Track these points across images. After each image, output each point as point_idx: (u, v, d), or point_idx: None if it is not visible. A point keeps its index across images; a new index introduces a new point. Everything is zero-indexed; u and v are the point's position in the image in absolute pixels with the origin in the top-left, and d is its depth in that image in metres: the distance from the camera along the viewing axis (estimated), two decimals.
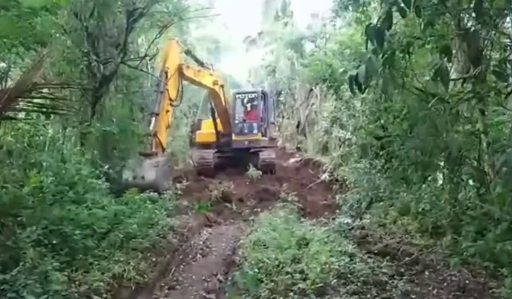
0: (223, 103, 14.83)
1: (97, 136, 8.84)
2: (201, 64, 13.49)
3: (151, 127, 10.14)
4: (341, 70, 9.26)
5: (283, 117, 25.95)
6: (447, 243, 6.22)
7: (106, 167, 8.08)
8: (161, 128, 10.47)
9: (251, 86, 26.19)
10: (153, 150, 10.08)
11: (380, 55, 3.52)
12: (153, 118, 10.27)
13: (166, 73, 10.86)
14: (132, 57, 10.84)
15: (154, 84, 11.09)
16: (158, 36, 11.20)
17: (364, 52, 4.62)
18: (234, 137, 15.16)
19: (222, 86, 14.62)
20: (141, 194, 8.09)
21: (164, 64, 11.09)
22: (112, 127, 8.91)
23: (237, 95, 16.19)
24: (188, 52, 13.17)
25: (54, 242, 5.22)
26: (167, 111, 10.84)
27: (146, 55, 10.79)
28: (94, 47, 9.58)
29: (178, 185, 9.74)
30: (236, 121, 15.68)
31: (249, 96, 16.25)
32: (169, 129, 11.32)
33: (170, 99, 10.89)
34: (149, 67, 12.27)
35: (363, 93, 3.76)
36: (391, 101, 7.88)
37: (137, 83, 11.28)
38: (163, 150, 10.64)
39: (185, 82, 13.17)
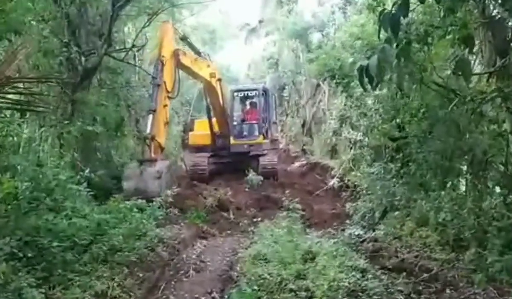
0: (221, 100, 14.83)
1: (77, 137, 8.84)
2: (197, 53, 13.48)
3: (147, 130, 10.10)
4: (350, 60, 9.28)
5: (286, 115, 26.01)
6: (470, 258, 6.21)
7: (88, 170, 8.10)
8: (159, 127, 10.50)
9: (251, 82, 26.26)
10: (152, 155, 10.05)
11: (395, 46, 3.50)
12: (150, 117, 10.24)
13: (162, 62, 10.76)
14: (117, 48, 10.88)
15: (151, 76, 11.03)
16: (146, 24, 11.21)
17: (377, 44, 4.62)
18: (232, 140, 15.17)
19: (219, 80, 14.63)
20: (127, 202, 8.07)
21: (160, 52, 11.00)
22: (94, 127, 8.92)
23: (235, 93, 16.12)
24: (184, 39, 13.11)
25: (30, 255, 5.20)
26: (165, 105, 10.82)
27: (133, 45, 10.83)
28: (75, 37, 9.62)
29: (168, 192, 9.73)
30: (235, 122, 15.69)
31: (249, 94, 16.24)
32: (167, 126, 11.35)
33: (167, 91, 10.86)
34: (136, 59, 12.31)
35: (375, 89, 3.74)
36: (408, 98, 7.92)
37: (124, 77, 11.30)
38: (162, 150, 10.69)
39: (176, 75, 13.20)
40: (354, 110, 11.81)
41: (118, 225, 7.16)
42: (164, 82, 10.65)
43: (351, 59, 8.72)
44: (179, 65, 11.49)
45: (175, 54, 11.33)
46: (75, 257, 5.82)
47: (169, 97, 11.00)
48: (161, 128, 10.63)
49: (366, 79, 3.48)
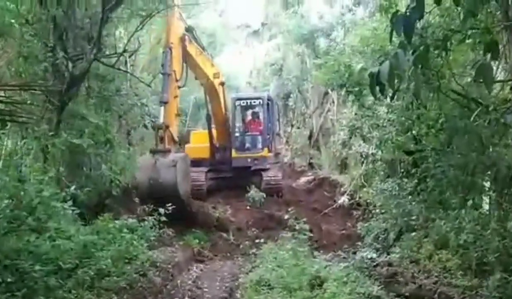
0: (223, 107, 14.88)
1: (63, 150, 8.85)
2: (202, 49, 13.59)
3: (161, 120, 10.46)
4: (359, 66, 9.33)
5: (291, 126, 26.02)
6: (495, 284, 6.17)
7: (74, 187, 8.10)
8: (171, 118, 10.84)
9: (253, 90, 26.36)
10: (166, 146, 10.37)
11: (410, 52, 3.51)
12: (162, 108, 10.60)
13: (171, 49, 11.06)
14: (108, 53, 10.92)
15: (162, 65, 11.32)
16: (139, 28, 11.28)
17: (391, 50, 4.64)
18: (234, 153, 15.20)
19: (222, 84, 14.65)
20: (116, 221, 8.07)
21: (168, 38, 11.30)
22: (82, 140, 8.93)
23: (236, 102, 16.15)
24: (189, 30, 13.03)
25: (9, 280, 5.19)
26: (175, 96, 11.11)
27: (125, 50, 10.87)
28: (62, 41, 9.65)
29: (161, 210, 9.73)
30: (237, 134, 15.75)
31: (252, 103, 16.31)
32: (178, 118, 11.68)
33: (177, 81, 11.18)
34: (128, 65, 12.37)
35: (392, 98, 3.73)
36: (425, 107, 7.95)
37: (114, 84, 11.34)
38: (175, 143, 11.05)
39: None
40: (366, 121, 11.84)
41: (106, 247, 7.15)
42: (174, 72, 10.96)
43: (360, 66, 8.77)
44: (184, 53, 11.76)
45: (182, 39, 11.66)
46: (59, 283, 5.79)
47: (178, 87, 11.32)
48: (173, 120, 10.97)
49: (377, 88, 3.49)
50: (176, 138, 11.22)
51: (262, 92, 19.69)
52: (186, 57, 12.09)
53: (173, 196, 9.50)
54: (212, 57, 14.57)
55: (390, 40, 3.69)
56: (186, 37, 11.88)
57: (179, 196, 9.97)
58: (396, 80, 3.48)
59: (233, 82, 29.70)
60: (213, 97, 14.62)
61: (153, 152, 10.45)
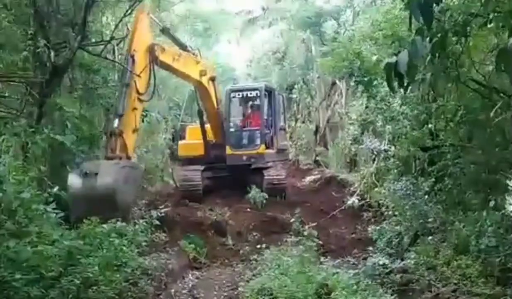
0: (215, 103, 14.91)
1: (45, 148, 8.84)
2: (183, 48, 13.46)
3: (114, 124, 9.85)
4: (374, 58, 9.32)
5: (296, 120, 26.02)
6: None
7: (57, 188, 8.09)
8: (126, 129, 10.20)
9: (253, 82, 26.32)
10: (117, 153, 9.75)
11: (428, 38, 3.50)
12: (116, 120, 9.98)
13: (133, 57, 10.47)
14: (93, 40, 10.90)
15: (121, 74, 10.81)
16: (128, 12, 11.25)
17: (405, 36, 4.63)
18: (228, 150, 15.19)
19: (213, 79, 14.69)
20: (104, 225, 8.04)
21: (130, 45, 10.71)
22: (65, 136, 8.92)
23: (232, 94, 16.11)
24: (165, 31, 13.03)
25: None
26: (134, 109, 10.49)
27: (112, 38, 10.81)
28: (44, 28, 9.64)
29: (154, 213, 9.74)
30: (232, 129, 15.73)
31: (249, 94, 16.22)
32: (136, 134, 10.96)
33: (138, 93, 10.58)
34: (116, 54, 12.33)
35: (406, 90, 3.74)
36: (443, 99, 7.93)
37: (101, 75, 11.33)
38: (129, 157, 10.31)
39: (163, 72, 13.09)
40: (378, 114, 11.82)
41: (93, 253, 7.09)
42: (135, 82, 10.38)
43: (374, 58, 8.75)
44: (157, 63, 11.24)
45: (151, 49, 11.04)
46: (42, 292, 5.77)
47: (140, 100, 10.69)
48: (129, 133, 10.31)
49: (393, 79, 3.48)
50: (131, 153, 10.42)
51: (259, 82, 19.58)
52: (163, 67, 11.87)
53: (109, 203, 8.59)
54: (199, 51, 14.41)
55: (410, 27, 3.68)
56: (156, 47, 11.20)
57: (115, 203, 8.80)
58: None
59: (231, 73, 29.72)
60: (203, 94, 14.63)
61: (107, 158, 9.71)
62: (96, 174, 8.78)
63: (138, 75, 10.46)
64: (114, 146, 9.74)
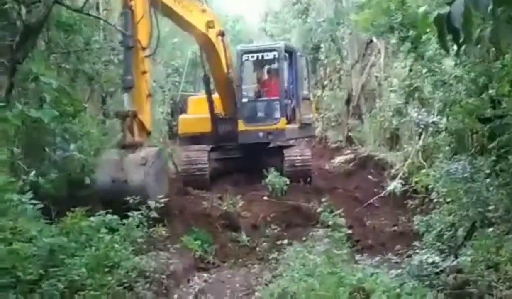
0: (224, 66, 14.85)
1: (18, 126, 8.99)
2: None
3: (126, 106, 10.51)
4: (421, 9, 9.29)
5: (323, 88, 25.91)
6: None
7: (34, 173, 8.25)
8: (141, 102, 10.84)
9: (269, 40, 26.15)
10: (136, 138, 10.53)
11: None
12: (126, 97, 10.60)
13: (131, 8, 10.65)
14: None
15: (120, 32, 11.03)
16: None
17: None
18: (241, 125, 15.27)
19: (222, 34, 14.58)
20: (92, 218, 8.23)
21: None
22: (42, 111, 9.04)
23: (245, 55, 16.08)
24: None
25: None
26: (144, 72, 11.00)
27: None
28: None
29: (151, 203, 9.92)
30: (245, 99, 15.77)
31: (266, 56, 16.17)
32: (151, 99, 11.63)
33: (143, 49, 10.97)
34: (101, 9, 12.38)
35: (461, 47, 3.74)
36: (506, 58, 7.90)
37: (83, 36, 11.41)
38: (148, 133, 11.13)
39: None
40: (426, 79, 11.74)
41: (80, 252, 7.26)
42: (138, 41, 10.73)
43: (422, 9, 8.72)
44: (156, 6, 11.32)
45: None
46: None
47: (147, 56, 11.16)
48: (143, 103, 10.93)
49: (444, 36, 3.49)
50: (150, 128, 11.28)
51: (277, 42, 19.53)
52: (163, 12, 11.87)
53: (141, 202, 9.51)
54: None
55: None
56: None
57: (147, 198, 9.89)
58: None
59: (243, 30, 29.50)
60: (210, 54, 14.59)
61: (121, 147, 10.55)
62: (125, 181, 9.91)
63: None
64: (132, 130, 10.49)
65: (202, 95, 15.82)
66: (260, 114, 15.66)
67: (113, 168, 10.16)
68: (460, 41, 3.55)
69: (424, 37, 11.16)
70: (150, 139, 11.72)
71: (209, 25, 13.77)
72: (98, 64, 11.29)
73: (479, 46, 8.05)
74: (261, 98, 15.95)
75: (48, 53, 11.14)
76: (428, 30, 9.82)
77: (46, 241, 6.98)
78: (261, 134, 15.18)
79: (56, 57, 11.27)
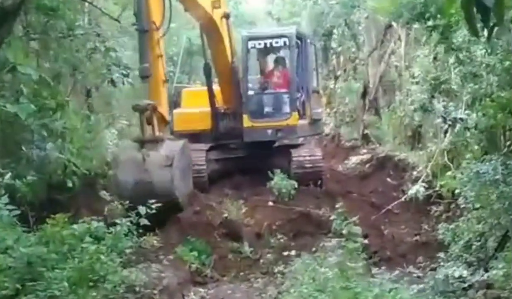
0: (228, 53, 14.86)
1: None
2: None
3: (146, 100, 10.85)
4: None
5: (336, 79, 25.89)
6: None
7: (9, 175, 8.12)
8: (158, 91, 11.50)
9: (276, 25, 26.11)
10: (156, 133, 11.08)
11: None
12: (145, 84, 11.05)
13: None
14: None
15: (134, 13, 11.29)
16: None
17: None
18: (246, 121, 15.13)
19: (227, 16, 14.61)
20: (75, 226, 8.11)
21: None
22: (20, 106, 8.93)
23: (250, 42, 15.89)
24: None
25: None
26: (160, 56, 11.55)
27: None
28: None
29: (141, 209, 9.82)
30: (251, 92, 15.67)
31: (274, 44, 16.03)
32: (167, 84, 12.30)
33: (157, 29, 11.43)
34: None
35: (492, 31, 3.63)
36: None
37: (65, 20, 11.33)
38: (167, 123, 11.87)
39: None
40: (454, 69, 11.64)
41: (61, 264, 7.20)
42: (154, 22, 11.17)
43: None
44: None
45: None
46: None
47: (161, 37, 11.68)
48: (161, 93, 11.56)
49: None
50: (167, 117, 11.90)
51: (288, 27, 19.39)
52: None
53: (168, 205, 10.05)
54: None
55: None
56: None
57: (177, 203, 11.00)
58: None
59: (247, 13, 29.50)
60: (213, 38, 14.58)
61: (140, 142, 10.90)
62: (150, 182, 10.58)
63: None
64: (152, 124, 10.99)
65: (198, 87, 15.71)
66: (268, 108, 15.65)
67: (135, 168, 10.69)
68: (491, 23, 3.47)
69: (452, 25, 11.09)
70: (168, 129, 12.44)
71: (215, 5, 13.83)
72: (82, 51, 11.19)
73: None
74: (268, 91, 15.83)
75: (27, 39, 11.03)
76: (453, 13, 9.73)
77: (24, 251, 6.97)
78: (269, 131, 15.09)
79: (35, 44, 11.16)
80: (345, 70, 26.02)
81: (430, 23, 11.78)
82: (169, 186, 10.69)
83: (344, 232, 9.61)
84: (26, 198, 9.18)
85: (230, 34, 14.81)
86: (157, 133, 11.03)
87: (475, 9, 3.39)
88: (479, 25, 3.55)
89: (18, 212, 7.60)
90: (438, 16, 11.36)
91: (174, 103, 16.59)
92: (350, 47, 25.34)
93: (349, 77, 25.56)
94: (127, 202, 9.78)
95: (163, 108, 11.61)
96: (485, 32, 3.83)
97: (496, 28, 3.66)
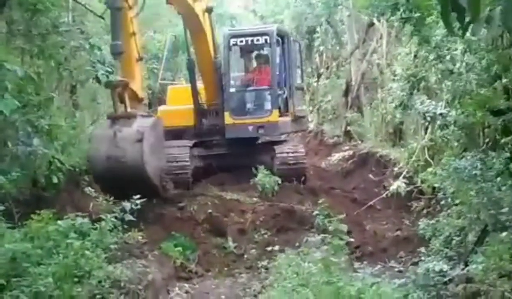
0: (211, 49, 14.87)
1: None
2: None
3: (117, 76, 10.91)
4: None
5: (318, 76, 25.92)
6: None
7: None
8: (131, 68, 11.49)
9: (259, 22, 26.08)
10: (128, 109, 11.12)
11: None
12: (116, 61, 11.01)
13: None
14: None
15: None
16: None
17: None
18: (228, 118, 15.18)
19: (209, 11, 14.63)
20: (60, 222, 8.14)
21: None
22: (4, 102, 8.93)
23: (232, 40, 15.92)
24: None
25: None
26: (133, 34, 11.54)
27: None
28: None
29: (126, 204, 9.86)
30: (233, 89, 15.70)
31: (256, 41, 16.03)
32: (141, 62, 12.25)
33: (130, 8, 11.45)
34: None
35: (467, 27, 3.67)
36: None
37: (49, 17, 11.29)
38: (140, 101, 11.81)
39: None
40: (433, 66, 11.71)
41: (46, 260, 7.22)
42: (126, 1, 11.18)
43: None
44: None
45: None
46: None
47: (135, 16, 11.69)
48: (134, 70, 11.51)
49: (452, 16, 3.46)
50: (142, 95, 11.93)
51: (269, 25, 19.44)
52: None
53: (140, 180, 10.38)
54: None
55: None
56: None
57: (148, 178, 10.95)
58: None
59: (229, 11, 29.48)
60: (195, 33, 14.58)
61: (112, 119, 11.08)
62: (122, 158, 10.67)
63: None
64: (124, 101, 11.14)
65: (183, 84, 15.70)
66: (249, 105, 15.70)
67: (107, 144, 10.80)
68: (466, 20, 3.54)
69: (429, 19, 11.14)
70: (143, 106, 12.40)
71: None
72: (66, 48, 11.16)
73: (485, 28, 8.06)
74: (250, 88, 15.89)
75: (9, 36, 11.10)
76: (427, 5, 9.81)
77: (8, 247, 6.99)
78: (250, 128, 15.09)
79: (19, 41, 11.14)
80: (327, 68, 26.03)
81: (404, 15, 11.87)
82: (139, 160, 10.79)
83: (330, 228, 9.71)
84: (11, 194, 9.15)
85: (212, 29, 14.88)
86: (129, 109, 11.17)
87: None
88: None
89: (2, 208, 7.69)
90: (412, 8, 11.47)
91: (159, 100, 16.58)
92: (332, 45, 25.38)
93: (331, 75, 25.53)
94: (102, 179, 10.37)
95: (137, 86, 11.70)
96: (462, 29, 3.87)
97: (471, 26, 3.75)
